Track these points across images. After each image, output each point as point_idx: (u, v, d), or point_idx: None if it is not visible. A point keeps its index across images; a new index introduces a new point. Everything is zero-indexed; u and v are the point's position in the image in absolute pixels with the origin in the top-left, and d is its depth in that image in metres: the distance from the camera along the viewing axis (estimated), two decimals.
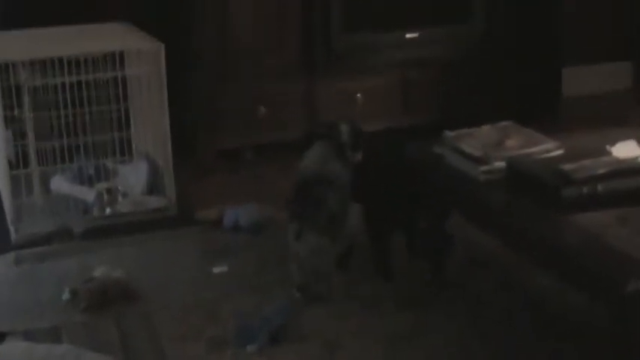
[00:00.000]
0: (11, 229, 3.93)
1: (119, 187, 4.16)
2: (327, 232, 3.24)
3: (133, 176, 4.23)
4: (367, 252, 3.46)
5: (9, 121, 4.07)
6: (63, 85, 3.95)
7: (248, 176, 4.58)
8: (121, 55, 4.01)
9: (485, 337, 3.05)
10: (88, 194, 4.11)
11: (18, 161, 4.09)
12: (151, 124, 4.18)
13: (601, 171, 2.75)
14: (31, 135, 4.15)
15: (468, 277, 3.44)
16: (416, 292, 3.32)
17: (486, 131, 3.21)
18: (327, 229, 3.24)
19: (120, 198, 4.12)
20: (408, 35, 4.80)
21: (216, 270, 3.57)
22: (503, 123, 3.27)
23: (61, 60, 3.88)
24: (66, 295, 3.37)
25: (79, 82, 4.00)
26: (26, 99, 4.10)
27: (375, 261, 3.44)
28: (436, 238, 3.35)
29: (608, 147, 2.97)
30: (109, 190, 4.11)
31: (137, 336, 3.16)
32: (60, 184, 4.21)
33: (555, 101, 5.15)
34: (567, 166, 2.77)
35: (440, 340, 3.04)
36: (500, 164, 2.98)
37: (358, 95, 4.76)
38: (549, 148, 3.04)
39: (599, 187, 2.71)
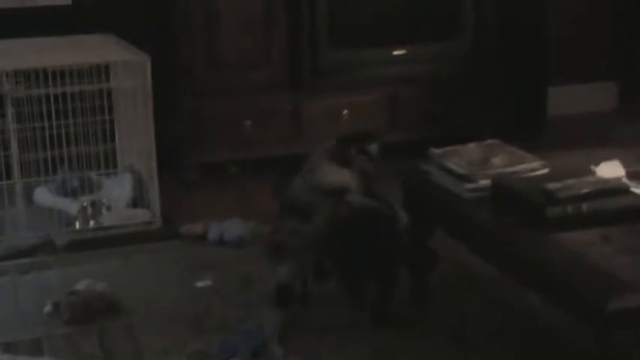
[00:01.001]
0: None
1: (103, 200, 4.14)
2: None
3: (117, 189, 4.22)
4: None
5: None
6: (47, 96, 3.94)
7: (233, 191, 4.57)
8: (107, 67, 4.01)
9: (465, 355, 3.04)
10: (71, 207, 4.10)
11: (1, 173, 4.07)
12: (136, 137, 4.17)
13: (585, 190, 2.76)
14: (14, 146, 4.13)
15: (452, 295, 3.43)
16: (399, 309, 3.31)
17: (472, 149, 3.21)
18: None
19: (104, 211, 4.11)
20: (395, 52, 4.81)
21: (200, 284, 3.56)
22: (489, 141, 3.27)
23: (45, 71, 3.87)
24: (48, 308, 3.35)
25: (64, 94, 3.99)
26: (9, 110, 4.08)
27: (351, 302, 3.25)
28: (420, 254, 3.34)
29: (592, 166, 2.98)
30: (92, 203, 4.10)
31: (120, 350, 3.14)
32: (43, 196, 4.20)
33: (541, 120, 5.16)
34: (552, 185, 2.77)
35: (422, 358, 3.03)
36: (486, 182, 2.98)
37: (345, 112, 4.77)
38: (534, 167, 3.05)
39: (584, 207, 2.72)
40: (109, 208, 4.12)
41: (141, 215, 4.11)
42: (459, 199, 3.00)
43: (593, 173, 2.92)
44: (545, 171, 3.01)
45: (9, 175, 4.13)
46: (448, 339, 3.12)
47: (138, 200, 4.18)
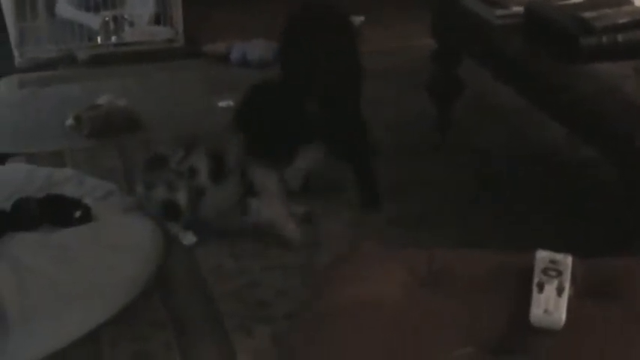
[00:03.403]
0: (15, 52, 3.87)
1: (125, 16, 4.08)
2: None
3: (139, 5, 4.16)
4: None
5: None
6: None
7: (258, 12, 4.48)
8: None
9: (487, 187, 3.02)
10: (93, 21, 4.04)
11: None
12: None
13: (622, 20, 2.67)
14: None
15: (476, 126, 3.39)
16: (420, 140, 3.25)
17: None
18: None
19: (126, 27, 4.05)
20: None
21: (222, 104, 3.53)
22: None
23: None
24: (70, 121, 3.34)
25: None
26: None
27: None
28: (446, 82, 3.28)
29: None
30: (114, 18, 4.05)
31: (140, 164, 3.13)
32: (65, 8, 4.13)
33: None
34: (588, 14, 2.68)
35: (441, 188, 3.01)
36: (518, 9, 2.88)
37: None
38: None
39: (619, 37, 2.63)
40: (131, 24, 4.07)
41: (163, 32, 4.06)
42: (490, 25, 2.92)
43: (631, 3, 2.82)
44: None
45: None
46: (470, 172, 3.10)
47: (161, 17, 4.11)
